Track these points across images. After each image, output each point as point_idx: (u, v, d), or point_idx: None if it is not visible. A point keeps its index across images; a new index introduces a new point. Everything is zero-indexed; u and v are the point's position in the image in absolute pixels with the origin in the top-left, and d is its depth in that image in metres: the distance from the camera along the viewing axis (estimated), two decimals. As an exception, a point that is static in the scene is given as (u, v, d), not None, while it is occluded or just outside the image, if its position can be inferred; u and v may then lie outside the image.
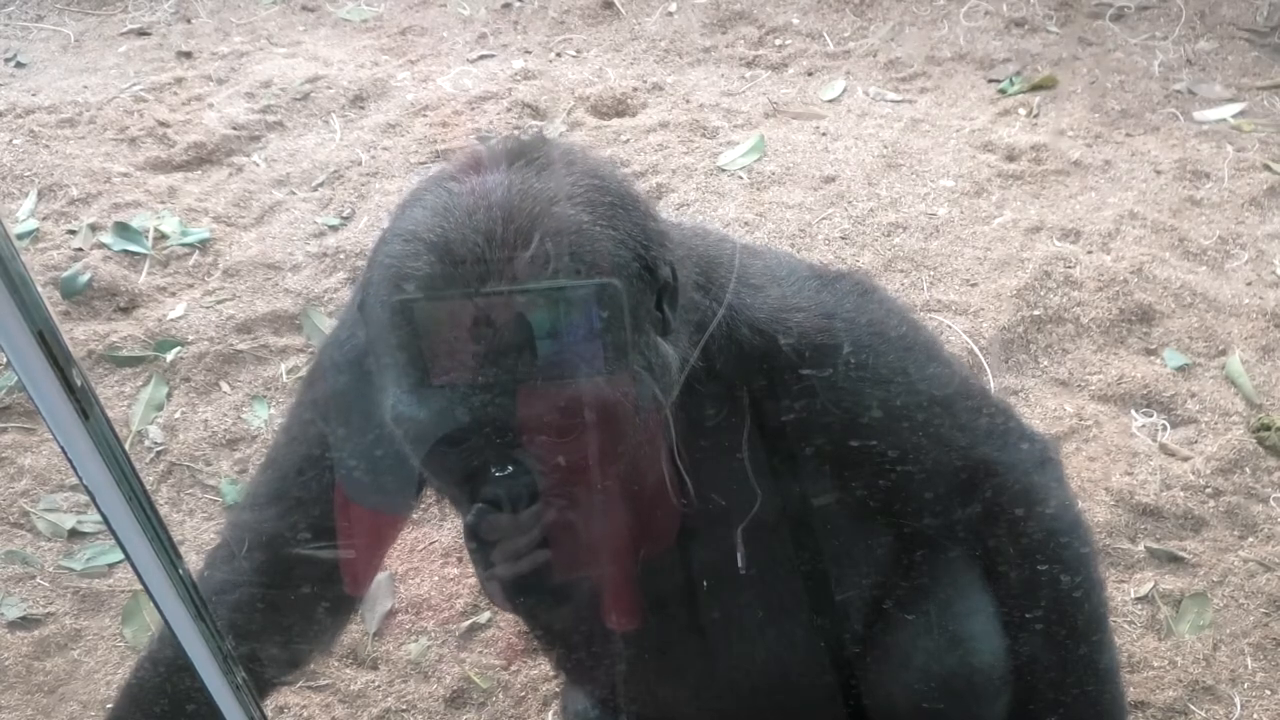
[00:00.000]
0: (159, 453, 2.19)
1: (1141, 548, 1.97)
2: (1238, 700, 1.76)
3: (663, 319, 1.06)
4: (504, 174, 1.01)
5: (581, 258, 0.98)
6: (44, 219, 2.66)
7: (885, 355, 1.21)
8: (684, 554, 1.25)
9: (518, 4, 3.67)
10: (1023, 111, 3.08)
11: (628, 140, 2.96)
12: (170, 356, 2.34)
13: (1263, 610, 1.88)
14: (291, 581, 1.29)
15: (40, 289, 0.67)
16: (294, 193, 2.83)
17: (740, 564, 1.21)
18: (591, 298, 0.99)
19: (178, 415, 2.25)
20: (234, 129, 3.02)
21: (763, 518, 1.20)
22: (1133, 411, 2.23)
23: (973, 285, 2.47)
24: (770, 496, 1.19)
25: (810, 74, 3.29)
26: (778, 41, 3.45)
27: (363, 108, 3.14)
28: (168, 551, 0.82)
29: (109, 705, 1.80)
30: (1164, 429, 2.19)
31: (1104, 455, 2.12)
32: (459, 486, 1.06)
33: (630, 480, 1.10)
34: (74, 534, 2.06)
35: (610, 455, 1.05)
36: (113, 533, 0.79)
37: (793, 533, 1.26)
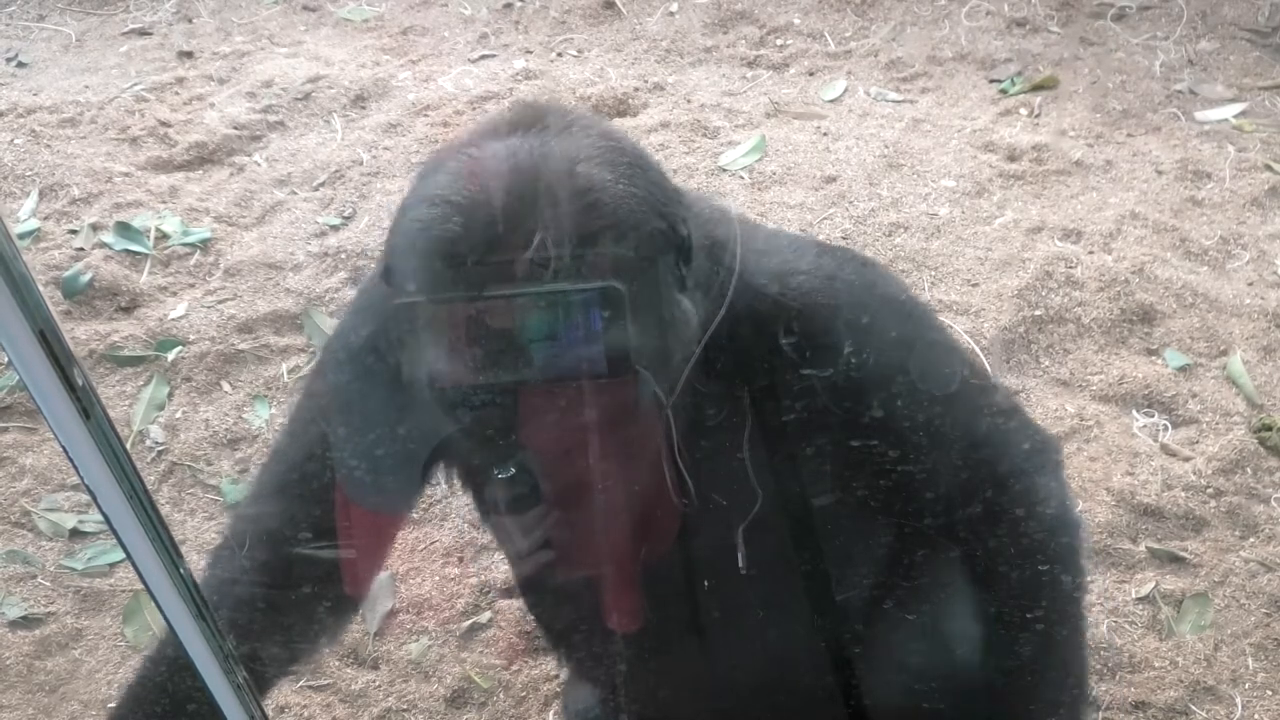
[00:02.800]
0: (160, 452, 2.19)
1: (1142, 548, 1.97)
2: (1239, 700, 1.76)
3: (681, 276, 1.08)
4: (524, 138, 1.02)
5: (611, 215, 1.00)
6: (45, 219, 2.66)
7: (889, 318, 1.23)
8: (696, 539, 1.24)
9: (519, 4, 3.67)
10: (1024, 111, 3.08)
11: (629, 140, 2.96)
12: (171, 356, 2.34)
13: (1264, 610, 1.88)
14: (293, 580, 1.30)
15: (42, 288, 0.67)
16: (295, 192, 2.83)
17: (740, 563, 1.21)
18: (625, 254, 1.00)
19: (179, 415, 2.25)
20: (235, 129, 3.02)
21: (780, 490, 1.20)
22: (1134, 412, 2.23)
23: (974, 285, 2.47)
24: (780, 466, 1.20)
25: (811, 74, 3.29)
26: (779, 41, 3.45)
27: (364, 107, 3.15)
28: (169, 551, 0.82)
29: (110, 705, 1.80)
30: (1165, 429, 2.19)
31: (1105, 455, 2.12)
32: (499, 450, 1.06)
33: (653, 447, 1.11)
34: (75, 533, 2.06)
35: (643, 411, 1.07)
36: (114, 532, 0.79)
37: (808, 509, 1.25)
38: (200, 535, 2.05)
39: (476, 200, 0.98)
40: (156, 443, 2.20)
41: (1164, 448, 2.15)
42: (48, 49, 3.53)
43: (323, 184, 2.85)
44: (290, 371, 2.34)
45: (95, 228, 2.63)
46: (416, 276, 1.01)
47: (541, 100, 1.12)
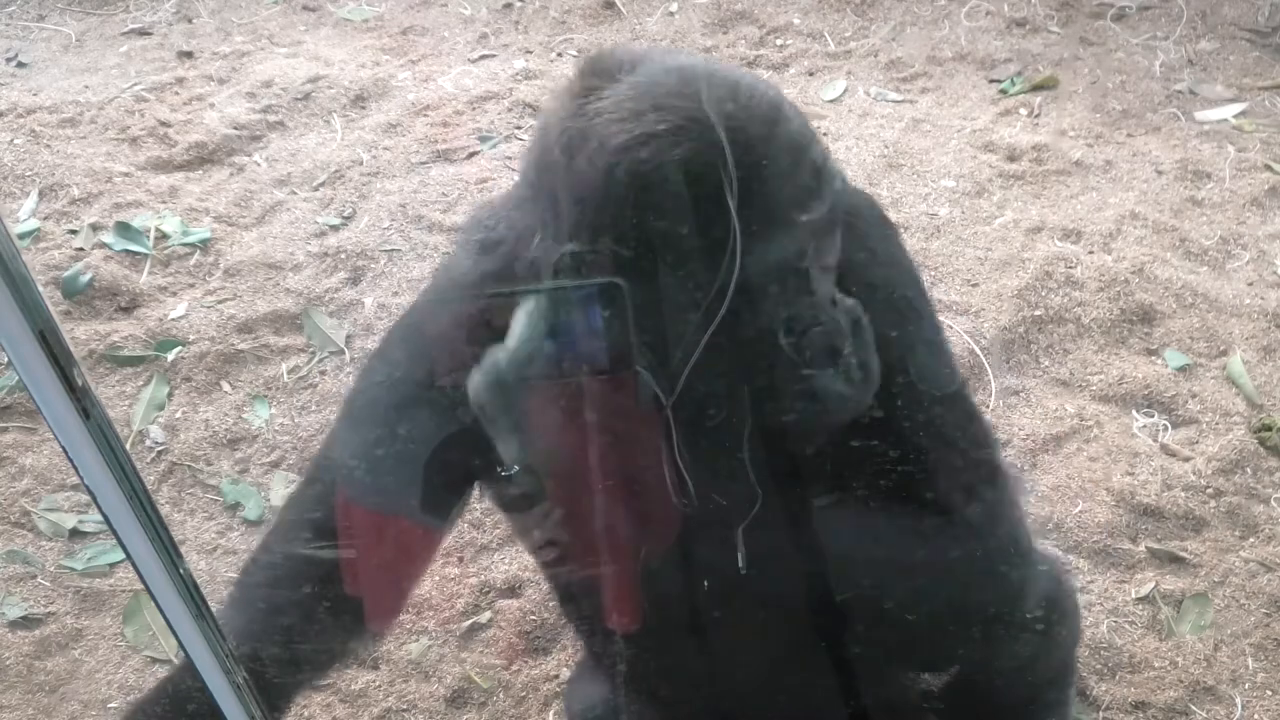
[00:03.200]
0: (160, 452, 2.19)
1: (1142, 548, 1.97)
2: (1239, 700, 1.76)
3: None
4: (643, 73, 1.04)
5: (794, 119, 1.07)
6: (45, 219, 2.66)
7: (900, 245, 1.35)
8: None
9: (519, 4, 3.67)
10: (1024, 111, 3.08)
11: (629, 140, 2.95)
12: (171, 356, 2.34)
13: (1264, 610, 1.88)
14: (337, 590, 1.28)
15: (41, 288, 0.67)
16: (295, 192, 2.83)
17: (737, 561, 1.20)
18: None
19: (179, 415, 2.25)
20: (235, 129, 3.02)
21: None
22: (1134, 412, 2.23)
23: (974, 285, 2.47)
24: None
25: (811, 74, 3.29)
26: (779, 41, 3.45)
27: (364, 107, 3.15)
28: (168, 551, 0.82)
29: (110, 705, 1.80)
30: (1165, 429, 2.19)
31: (1105, 455, 2.12)
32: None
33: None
34: (75, 533, 2.06)
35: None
36: (114, 532, 0.79)
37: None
38: (200, 535, 2.05)
39: (691, 127, 0.99)
40: (156, 443, 2.20)
41: (1164, 448, 2.15)
42: (48, 49, 3.53)
43: (323, 184, 2.85)
44: (290, 371, 2.34)
45: (95, 228, 2.63)
46: (661, 215, 1.00)
47: (605, 48, 1.12)
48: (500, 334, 1.08)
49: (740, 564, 1.20)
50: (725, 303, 1.03)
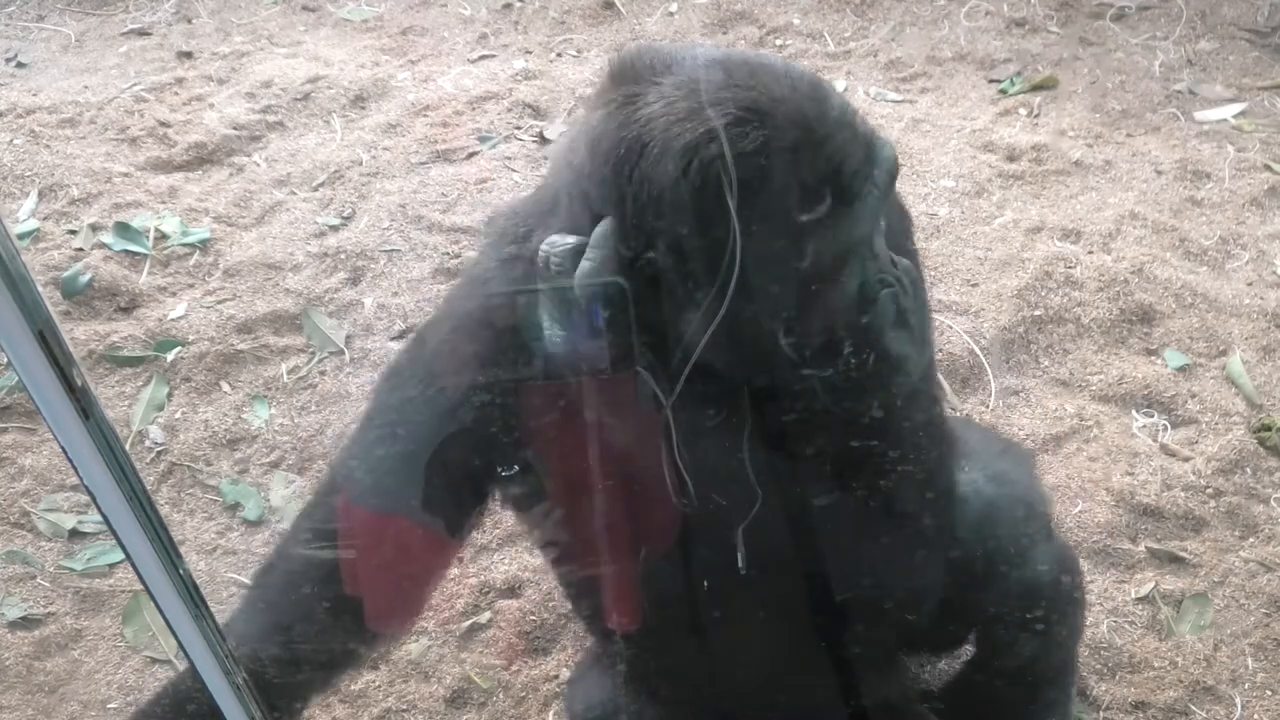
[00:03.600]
0: (159, 453, 2.19)
1: (1142, 548, 1.97)
2: (1238, 701, 1.76)
3: None
4: (686, 73, 1.04)
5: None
6: (45, 219, 2.66)
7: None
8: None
9: (518, 4, 3.67)
10: (1023, 111, 3.08)
11: (628, 140, 2.95)
12: (171, 356, 2.34)
13: (1264, 610, 1.88)
14: (350, 598, 1.27)
15: (41, 289, 0.67)
16: (294, 193, 2.83)
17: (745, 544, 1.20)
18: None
19: (178, 415, 2.25)
20: (235, 129, 3.02)
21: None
22: (1133, 412, 2.23)
23: (974, 285, 2.47)
24: None
25: (811, 74, 3.29)
26: (779, 41, 3.45)
27: (363, 108, 3.14)
28: (168, 551, 0.82)
29: (110, 705, 1.80)
30: (1165, 429, 2.19)
31: (1105, 455, 2.12)
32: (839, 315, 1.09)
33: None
34: (74, 534, 2.06)
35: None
36: (113, 533, 0.79)
37: None
38: (200, 535, 2.05)
39: (751, 116, 0.99)
40: (156, 443, 2.20)
41: (1164, 448, 2.15)
42: (47, 49, 3.53)
43: (322, 184, 2.85)
44: (290, 371, 2.34)
45: (95, 228, 2.63)
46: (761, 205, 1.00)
47: (624, 52, 1.10)
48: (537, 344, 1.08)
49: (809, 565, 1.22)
50: (827, 280, 1.05)
